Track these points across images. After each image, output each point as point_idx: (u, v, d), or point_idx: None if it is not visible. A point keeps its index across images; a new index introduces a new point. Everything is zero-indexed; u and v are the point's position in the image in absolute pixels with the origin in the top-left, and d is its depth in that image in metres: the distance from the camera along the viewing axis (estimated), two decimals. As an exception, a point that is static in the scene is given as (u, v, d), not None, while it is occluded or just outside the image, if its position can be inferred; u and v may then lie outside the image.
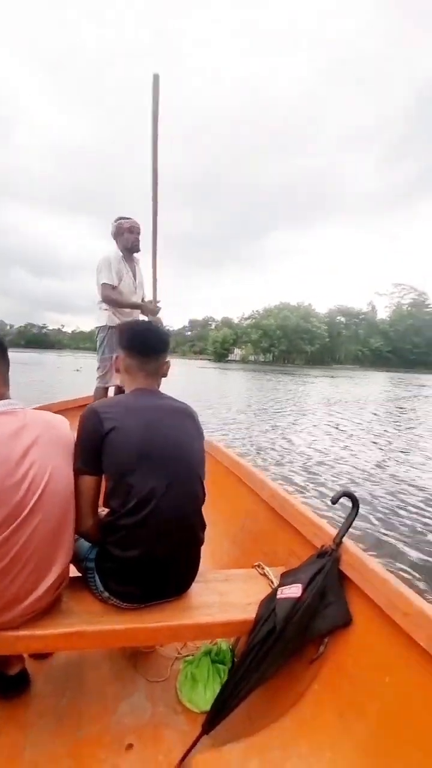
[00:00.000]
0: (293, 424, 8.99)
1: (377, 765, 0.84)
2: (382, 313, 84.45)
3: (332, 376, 35.36)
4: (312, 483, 4.64)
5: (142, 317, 3.04)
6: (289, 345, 77.25)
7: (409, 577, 2.66)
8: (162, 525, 1.07)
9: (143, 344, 1.22)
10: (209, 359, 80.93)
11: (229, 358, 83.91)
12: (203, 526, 1.21)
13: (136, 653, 1.37)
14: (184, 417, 1.22)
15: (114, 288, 2.98)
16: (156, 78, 2.20)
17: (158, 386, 1.29)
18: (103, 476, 1.11)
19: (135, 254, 3.13)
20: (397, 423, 9.74)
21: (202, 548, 1.20)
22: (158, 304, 3.03)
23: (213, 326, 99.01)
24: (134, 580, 1.08)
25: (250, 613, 1.14)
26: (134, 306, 3.08)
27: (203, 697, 1.17)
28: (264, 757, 0.93)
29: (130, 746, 1.05)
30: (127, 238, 3.01)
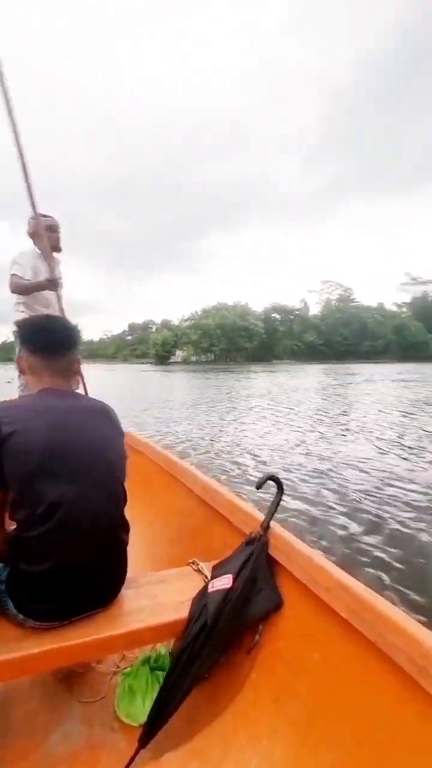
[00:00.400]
0: (230, 417, 9.26)
1: (309, 742, 0.84)
2: (314, 309, 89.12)
3: (271, 371, 37.52)
4: (250, 472, 4.75)
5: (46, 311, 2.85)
6: (228, 343, 78.73)
7: (340, 551, 2.78)
8: (76, 531, 0.99)
9: (47, 340, 1.12)
10: (151, 362, 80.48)
11: (171, 360, 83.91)
12: (126, 528, 1.15)
13: (69, 674, 1.27)
14: (98, 415, 1.15)
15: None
16: None
17: (71, 386, 1.20)
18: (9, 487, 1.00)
19: (56, 255, 2.94)
20: (326, 409, 10.34)
21: (140, 552, 1.15)
22: (60, 281, 2.85)
23: (154, 329, 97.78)
24: (51, 596, 0.99)
25: (183, 612, 1.10)
26: (41, 286, 2.82)
27: (142, 710, 1.11)
28: (204, 758, 0.90)
29: None
30: (47, 236, 2.83)
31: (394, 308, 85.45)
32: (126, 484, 1.16)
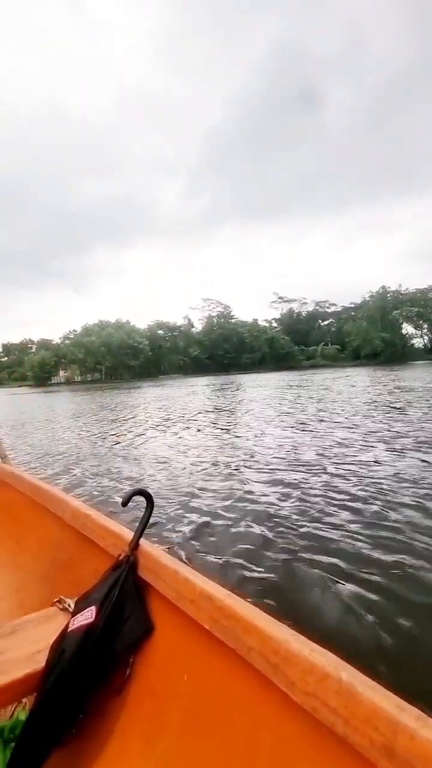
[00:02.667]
0: (110, 434, 9.24)
1: None
2: (198, 325, 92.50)
3: (157, 385, 39.28)
4: (128, 487, 4.66)
5: None
6: (114, 361, 76.43)
7: (219, 560, 2.85)
8: None
9: None
10: (30, 385, 73.87)
11: (53, 381, 78.04)
12: None
13: None
14: None
15: None
16: None
17: None
18: None
19: None
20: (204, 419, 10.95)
21: (6, 601, 0.95)
22: None
23: (33, 349, 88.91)
24: None
25: (39, 664, 0.96)
26: None
27: (-11, 797, 0.93)
28: None
29: None
30: None
31: (265, 324, 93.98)
32: None
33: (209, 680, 0.83)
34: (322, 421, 9.15)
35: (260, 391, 21.28)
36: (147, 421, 11.53)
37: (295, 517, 3.53)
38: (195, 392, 23.86)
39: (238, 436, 7.87)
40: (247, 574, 2.54)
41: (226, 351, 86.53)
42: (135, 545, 1.11)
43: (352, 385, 20.20)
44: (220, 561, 2.66)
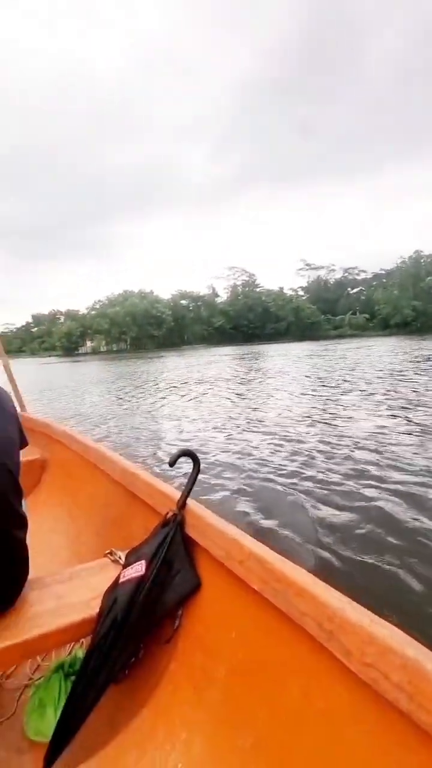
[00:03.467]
0: (147, 402, 9.57)
1: (227, 728, 0.81)
2: (223, 295, 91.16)
3: (180, 355, 40.46)
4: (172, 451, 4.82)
5: None
6: (139, 331, 77.04)
7: (261, 523, 2.93)
8: None
9: None
10: (58, 355, 76.09)
11: (80, 351, 79.87)
12: (20, 524, 1.02)
13: None
14: None
15: None
16: None
17: None
18: None
19: None
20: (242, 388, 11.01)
21: (64, 549, 1.01)
22: None
23: (62, 320, 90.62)
24: None
25: (94, 609, 1.02)
26: None
27: (53, 724, 1.01)
28: (118, 764, 0.83)
29: None
30: None
31: (292, 292, 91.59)
32: (45, 476, 1.03)
33: (258, 639, 0.85)
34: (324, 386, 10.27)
35: (275, 360, 22.32)
36: (163, 385, 12.73)
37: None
38: (211, 361, 25.35)
39: (243, 399, 8.91)
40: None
41: (250, 321, 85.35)
42: (182, 504, 1.13)
43: (368, 355, 20.91)
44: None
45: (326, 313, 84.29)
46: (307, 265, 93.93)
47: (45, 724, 1.02)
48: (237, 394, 9.90)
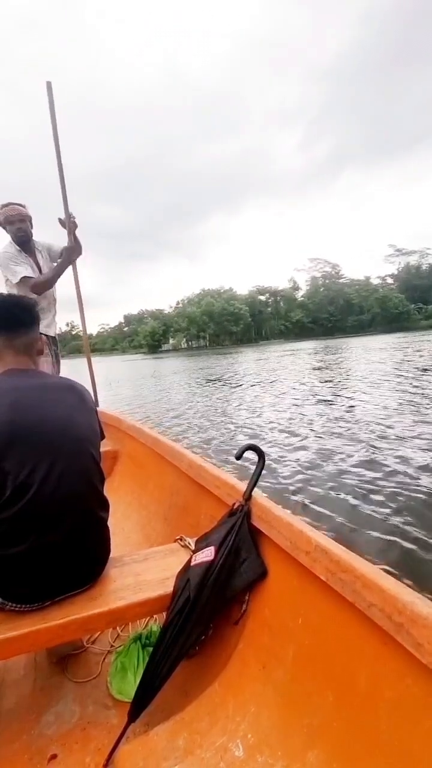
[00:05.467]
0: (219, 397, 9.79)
1: (295, 706, 0.84)
2: (305, 287, 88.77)
3: (254, 350, 42.42)
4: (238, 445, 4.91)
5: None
6: (217, 328, 78.65)
7: (326, 514, 2.84)
8: (49, 511, 0.97)
9: (4, 317, 1.08)
10: (144, 352, 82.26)
11: (163, 348, 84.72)
12: (103, 506, 1.13)
13: (64, 656, 1.28)
14: (65, 391, 1.11)
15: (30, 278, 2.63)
16: (49, 85, 2.58)
17: (36, 365, 1.16)
18: None
19: (36, 243, 2.79)
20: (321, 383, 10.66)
21: (135, 532, 1.12)
22: (73, 220, 2.73)
23: (149, 319, 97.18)
24: (28, 579, 0.98)
25: (168, 588, 1.10)
26: (60, 270, 2.74)
27: (133, 686, 1.11)
28: (192, 728, 0.90)
29: (53, 756, 0.97)
30: (14, 228, 2.64)
31: (378, 281, 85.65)
32: (117, 466, 1.14)
33: (324, 627, 0.87)
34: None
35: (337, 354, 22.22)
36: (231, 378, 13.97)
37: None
38: (279, 355, 26.95)
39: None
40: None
41: (330, 314, 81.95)
42: (248, 496, 1.17)
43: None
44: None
45: (418, 303, 77.26)
46: (397, 250, 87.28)
47: (126, 686, 1.13)
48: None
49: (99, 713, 1.09)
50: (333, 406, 7.05)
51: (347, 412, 6.48)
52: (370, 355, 17.40)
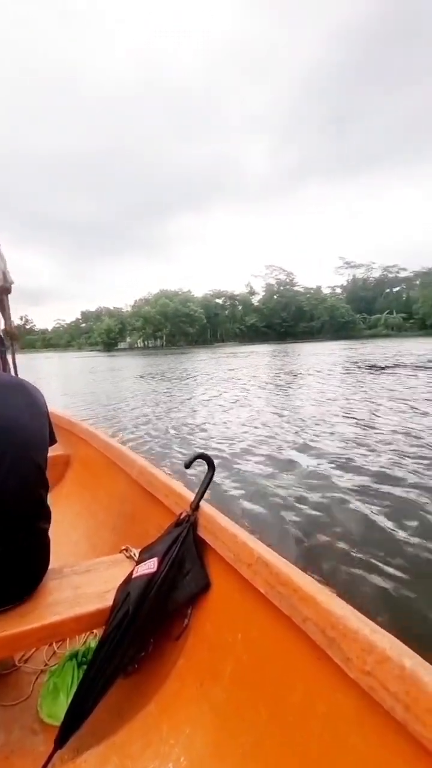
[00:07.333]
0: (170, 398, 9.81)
1: (229, 726, 0.82)
2: (261, 293, 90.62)
3: (209, 351, 45.00)
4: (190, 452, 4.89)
5: None
6: (173, 329, 78.31)
7: (275, 526, 2.90)
8: None
9: None
10: (99, 350, 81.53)
11: (120, 347, 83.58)
12: (44, 517, 1.06)
13: None
14: (11, 391, 1.04)
15: None
16: None
17: None
18: None
19: None
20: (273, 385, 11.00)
21: (82, 542, 1.05)
22: None
23: (106, 317, 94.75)
24: None
25: (108, 602, 1.05)
26: None
27: (65, 708, 1.05)
28: (124, 752, 0.86)
29: None
30: None
31: (329, 291, 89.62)
32: (68, 472, 1.08)
33: (262, 641, 0.86)
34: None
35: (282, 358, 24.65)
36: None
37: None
38: (228, 356, 29.72)
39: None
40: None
41: (283, 319, 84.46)
42: (196, 506, 1.15)
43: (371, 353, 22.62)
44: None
45: (362, 313, 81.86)
46: (346, 263, 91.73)
47: (57, 708, 1.06)
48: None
49: (25, 739, 1.01)
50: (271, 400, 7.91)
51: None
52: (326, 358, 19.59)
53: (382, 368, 13.93)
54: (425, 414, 6.24)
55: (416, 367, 13.81)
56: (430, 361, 15.36)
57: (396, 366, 14.56)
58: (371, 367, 14.35)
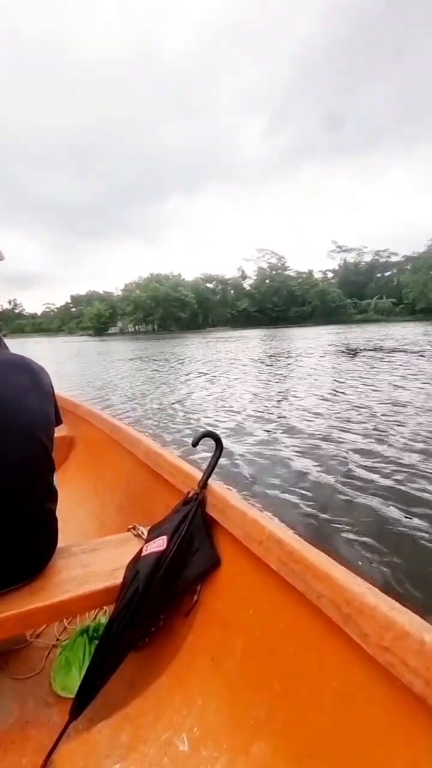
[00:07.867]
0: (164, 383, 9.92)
1: (242, 698, 0.85)
2: (253, 277, 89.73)
3: (200, 336, 45.56)
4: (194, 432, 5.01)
5: None
6: (164, 314, 77.53)
7: (285, 503, 2.97)
8: None
9: None
10: (90, 334, 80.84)
11: (110, 332, 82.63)
12: (51, 496, 1.07)
13: (5, 652, 1.20)
14: (15, 370, 1.02)
15: None
16: None
17: None
18: None
19: None
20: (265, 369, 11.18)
21: (89, 521, 1.06)
22: None
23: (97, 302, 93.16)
24: None
25: (117, 579, 1.06)
26: None
27: (78, 681, 1.07)
28: (137, 723, 0.88)
29: None
30: None
31: (320, 275, 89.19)
32: (72, 453, 1.08)
33: (275, 617, 0.87)
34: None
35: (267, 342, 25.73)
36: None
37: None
38: (209, 342, 30.36)
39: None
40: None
41: (275, 304, 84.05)
42: (204, 484, 1.16)
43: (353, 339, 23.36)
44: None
45: (353, 297, 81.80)
46: (338, 247, 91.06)
47: (70, 681, 1.09)
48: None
49: (40, 711, 1.04)
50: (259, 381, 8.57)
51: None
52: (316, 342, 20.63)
53: (359, 351, 15.16)
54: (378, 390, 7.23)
55: (392, 350, 14.93)
56: (405, 346, 16.59)
57: (374, 350, 15.69)
58: (350, 350, 15.51)
